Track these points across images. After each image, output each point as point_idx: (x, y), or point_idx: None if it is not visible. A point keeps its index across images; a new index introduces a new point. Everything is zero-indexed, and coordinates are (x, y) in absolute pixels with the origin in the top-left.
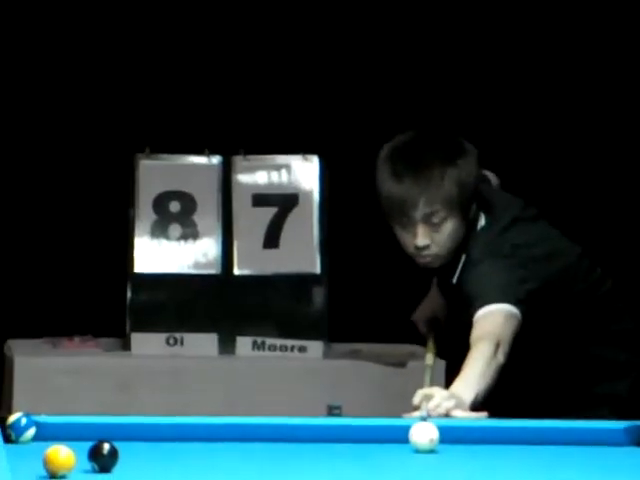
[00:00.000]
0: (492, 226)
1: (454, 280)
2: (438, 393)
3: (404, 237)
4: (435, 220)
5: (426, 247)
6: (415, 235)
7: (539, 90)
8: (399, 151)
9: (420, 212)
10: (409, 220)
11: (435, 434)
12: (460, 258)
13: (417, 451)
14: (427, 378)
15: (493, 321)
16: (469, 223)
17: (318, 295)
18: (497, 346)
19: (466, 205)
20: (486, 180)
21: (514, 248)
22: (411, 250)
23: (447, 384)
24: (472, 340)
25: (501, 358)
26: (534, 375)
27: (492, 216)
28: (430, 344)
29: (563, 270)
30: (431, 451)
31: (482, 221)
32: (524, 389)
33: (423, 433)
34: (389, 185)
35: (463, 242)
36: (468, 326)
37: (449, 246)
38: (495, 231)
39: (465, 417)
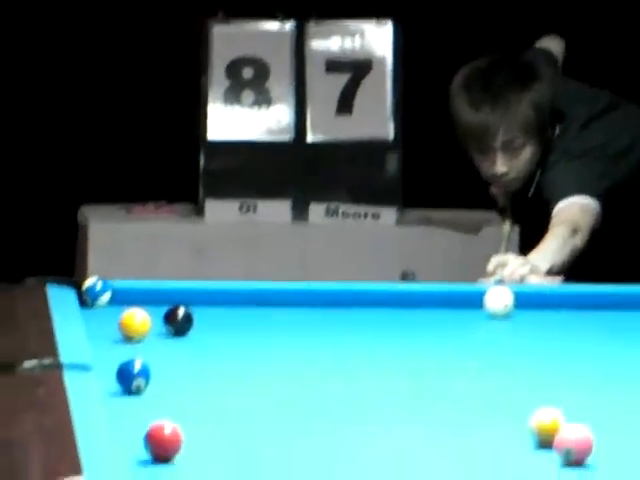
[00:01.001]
0: (566, 132)
1: (530, 194)
2: (513, 259)
3: (482, 164)
4: (514, 147)
5: (505, 174)
6: (494, 163)
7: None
8: (474, 78)
9: (499, 140)
10: (488, 148)
11: (510, 299)
12: (536, 173)
13: (491, 317)
14: (503, 248)
15: (570, 211)
16: (546, 144)
17: (391, 161)
18: (574, 231)
19: (543, 129)
20: (550, 57)
21: (589, 149)
22: (489, 177)
23: (522, 248)
24: (549, 227)
25: (578, 241)
26: (612, 244)
27: (565, 123)
28: (507, 215)
29: None
30: (506, 316)
31: (557, 131)
32: (601, 256)
33: (498, 298)
34: (466, 114)
35: (540, 160)
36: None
37: (528, 170)
38: (569, 135)
39: (540, 283)
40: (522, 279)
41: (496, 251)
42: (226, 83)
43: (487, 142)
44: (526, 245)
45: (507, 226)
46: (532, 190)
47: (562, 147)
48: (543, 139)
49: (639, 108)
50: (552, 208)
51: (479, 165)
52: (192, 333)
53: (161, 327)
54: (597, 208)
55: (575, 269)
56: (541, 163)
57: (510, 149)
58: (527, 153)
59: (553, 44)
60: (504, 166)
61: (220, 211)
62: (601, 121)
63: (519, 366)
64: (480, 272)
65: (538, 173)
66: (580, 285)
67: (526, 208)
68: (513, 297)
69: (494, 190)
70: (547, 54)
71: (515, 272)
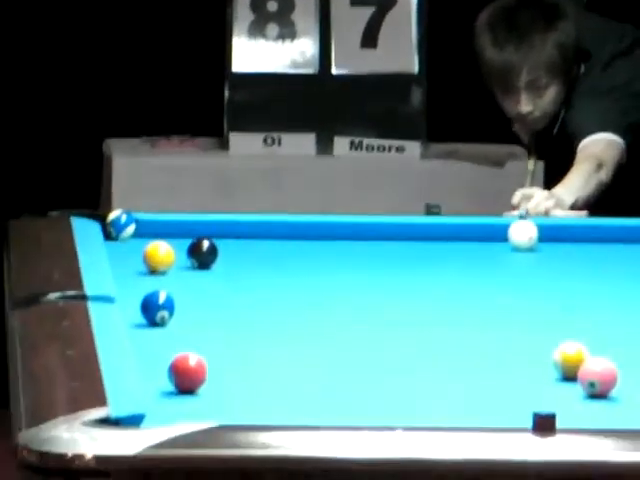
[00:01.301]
0: (590, 70)
1: (555, 131)
2: (538, 193)
3: (507, 103)
4: (538, 86)
5: (529, 113)
6: (518, 102)
7: None
8: (498, 18)
9: (523, 79)
10: (512, 87)
11: (534, 232)
12: (560, 112)
13: (516, 249)
14: (527, 183)
15: (596, 146)
16: (571, 83)
17: (416, 95)
18: (599, 166)
19: (568, 68)
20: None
21: (613, 86)
22: (514, 116)
23: (546, 185)
24: (575, 163)
25: (603, 176)
26: (637, 179)
27: (590, 61)
28: (532, 150)
29: None
30: (530, 249)
31: (581, 69)
32: (626, 191)
33: (522, 231)
34: (490, 53)
35: (565, 99)
36: None
37: (552, 109)
38: (593, 74)
39: (565, 216)
40: (547, 212)
41: (521, 185)
42: (251, 16)
43: (511, 81)
44: (551, 181)
45: (532, 161)
46: (557, 128)
47: (587, 85)
48: (567, 78)
49: None
50: (577, 145)
51: (503, 104)
52: (216, 266)
53: (185, 260)
54: (622, 144)
55: (600, 204)
56: (566, 102)
57: (534, 88)
58: (551, 92)
59: None
60: (528, 105)
61: (245, 144)
62: (626, 59)
63: (543, 299)
64: (505, 206)
65: (562, 111)
66: (604, 218)
67: (551, 146)
68: (537, 230)
69: (517, 127)
70: None
71: (540, 205)
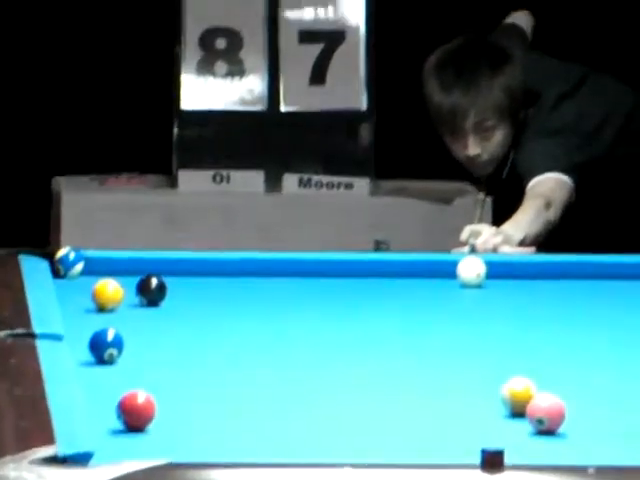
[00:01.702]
0: (538, 112)
1: (504, 174)
2: (486, 229)
3: (455, 147)
4: (485, 129)
5: (477, 156)
6: (466, 145)
7: None
8: (446, 62)
9: (470, 122)
10: (460, 130)
11: (482, 269)
12: (509, 154)
13: (464, 286)
14: (476, 219)
15: (544, 185)
16: (519, 126)
17: (365, 132)
18: (548, 205)
19: (515, 111)
20: (520, 34)
21: (562, 126)
22: (462, 159)
23: (495, 222)
24: (524, 201)
25: (552, 215)
26: (587, 218)
27: (537, 103)
28: (481, 186)
29: (616, 135)
30: (478, 286)
31: (529, 111)
32: (575, 230)
33: (470, 268)
34: (438, 96)
35: (513, 142)
36: None
37: (500, 152)
38: (541, 115)
39: (513, 252)
40: (495, 249)
41: (470, 221)
42: (200, 53)
43: (459, 124)
44: (500, 220)
45: (481, 196)
46: (506, 171)
47: (535, 127)
48: (515, 120)
49: (612, 78)
50: (526, 185)
51: (452, 147)
52: (165, 303)
53: (134, 297)
54: (571, 184)
55: (548, 243)
56: (514, 144)
57: (481, 131)
58: (499, 135)
59: (522, 19)
60: (476, 148)
61: (193, 181)
62: (573, 98)
63: (491, 335)
64: (453, 242)
65: (512, 154)
66: (552, 255)
67: (500, 187)
68: (486, 267)
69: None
70: (517, 30)
71: (488, 241)
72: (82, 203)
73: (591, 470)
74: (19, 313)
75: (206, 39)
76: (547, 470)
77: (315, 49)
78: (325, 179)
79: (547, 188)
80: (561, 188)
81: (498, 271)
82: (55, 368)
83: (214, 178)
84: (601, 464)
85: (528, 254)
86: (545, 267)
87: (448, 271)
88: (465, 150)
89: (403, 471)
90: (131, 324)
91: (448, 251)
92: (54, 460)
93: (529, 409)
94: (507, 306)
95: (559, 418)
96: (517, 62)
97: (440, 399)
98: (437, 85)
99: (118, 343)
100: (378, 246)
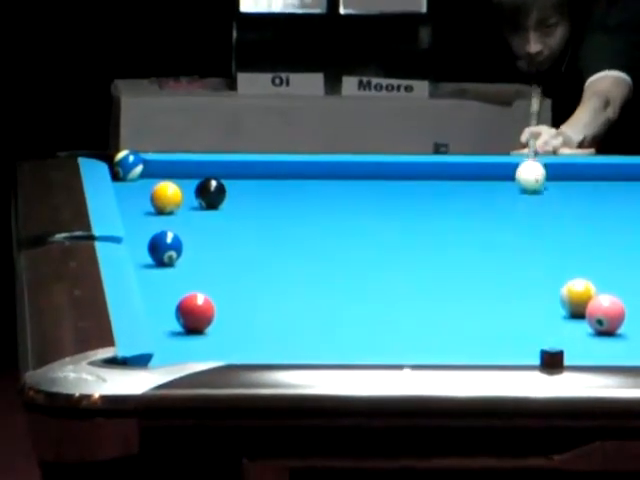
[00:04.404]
0: (598, 7)
1: (563, 68)
2: (546, 131)
3: (516, 43)
4: (547, 25)
5: (539, 53)
6: (527, 41)
7: None
8: None
9: (532, 19)
10: (521, 27)
11: (542, 173)
12: (568, 50)
13: (523, 190)
14: (534, 121)
15: (603, 83)
16: (579, 21)
17: (424, 34)
18: (607, 103)
19: (576, 7)
20: None
21: (622, 23)
22: (523, 56)
23: (554, 124)
24: (582, 100)
25: (611, 113)
26: None
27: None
28: (540, 88)
29: None
30: (536, 191)
31: (590, 7)
32: (634, 128)
33: (530, 171)
34: None
35: (573, 38)
36: None
37: (560, 48)
38: (601, 11)
39: (572, 154)
40: (555, 150)
41: (529, 124)
42: None
43: (521, 21)
44: (559, 120)
45: (539, 98)
46: (565, 66)
47: (595, 23)
48: (576, 17)
49: None
50: (585, 82)
51: (512, 44)
52: (224, 206)
53: (193, 200)
54: (629, 81)
55: (608, 141)
56: (574, 40)
57: (543, 27)
58: (560, 31)
59: None
60: (538, 45)
61: (253, 84)
62: None
63: (551, 238)
64: (513, 144)
65: (570, 49)
66: (612, 157)
67: (559, 84)
68: (545, 170)
69: (522, 64)
70: None
71: (548, 143)
72: (141, 106)
73: None
74: (78, 216)
75: None
76: (606, 371)
77: None
78: (384, 82)
79: (606, 86)
80: (620, 85)
81: (558, 173)
82: (114, 270)
83: (273, 81)
84: None
85: (588, 155)
86: (605, 168)
87: (507, 174)
88: (527, 47)
89: (462, 372)
90: (190, 227)
91: (507, 153)
92: (114, 361)
93: (589, 310)
94: (567, 208)
95: (619, 319)
96: None
97: (500, 300)
98: None
99: (177, 245)
100: (438, 148)
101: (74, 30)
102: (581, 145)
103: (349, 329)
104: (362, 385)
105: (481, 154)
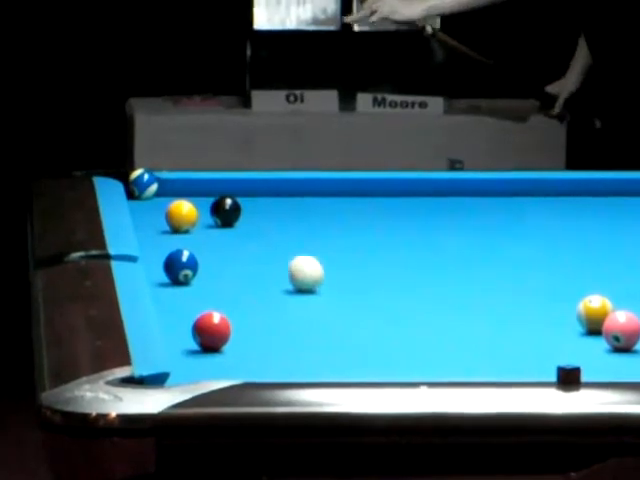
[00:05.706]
0: None
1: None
2: None
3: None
4: None
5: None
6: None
7: None
8: None
9: None
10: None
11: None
12: None
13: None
14: None
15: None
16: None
17: (439, 50)
18: None
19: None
20: None
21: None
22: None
23: None
24: None
25: None
26: None
27: None
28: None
29: None
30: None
31: None
32: None
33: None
34: None
35: None
36: None
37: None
38: None
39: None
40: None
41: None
42: None
43: None
44: None
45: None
46: None
47: None
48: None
49: None
50: None
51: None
52: (240, 223)
53: (209, 218)
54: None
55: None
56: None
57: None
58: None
59: None
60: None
61: (267, 101)
62: None
63: (566, 252)
64: (528, 160)
65: None
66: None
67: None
68: None
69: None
70: None
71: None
72: (156, 124)
73: None
74: (94, 235)
75: None
76: (623, 387)
77: None
78: (399, 98)
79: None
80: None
81: (574, 189)
82: (130, 289)
83: (287, 98)
84: None
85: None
86: (615, 184)
87: (523, 190)
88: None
89: (479, 390)
90: (206, 245)
91: (523, 169)
92: (130, 381)
93: (605, 326)
94: (580, 223)
95: (636, 335)
96: None
97: (516, 317)
98: None
99: (193, 264)
100: (452, 165)
101: (89, 49)
102: None
103: (365, 346)
104: (379, 403)
105: (496, 170)
